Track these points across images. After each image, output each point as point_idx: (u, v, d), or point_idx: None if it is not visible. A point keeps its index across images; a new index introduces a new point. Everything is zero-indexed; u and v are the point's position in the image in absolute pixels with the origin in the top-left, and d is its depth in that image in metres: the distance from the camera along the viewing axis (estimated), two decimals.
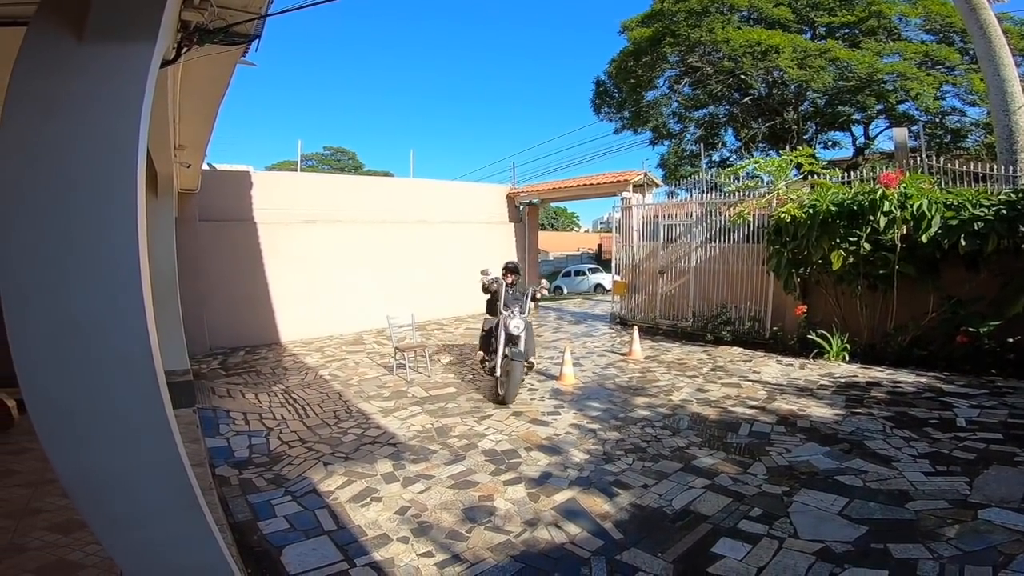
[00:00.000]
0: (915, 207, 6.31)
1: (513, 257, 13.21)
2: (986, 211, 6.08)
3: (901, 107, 16.38)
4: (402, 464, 4.29)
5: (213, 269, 9.02)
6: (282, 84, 74.22)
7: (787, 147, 15.76)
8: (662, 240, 9.49)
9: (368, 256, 10.63)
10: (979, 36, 8.79)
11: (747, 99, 18.64)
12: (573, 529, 3.24)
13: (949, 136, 15.43)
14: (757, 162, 8.96)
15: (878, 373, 6.39)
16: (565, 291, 21.20)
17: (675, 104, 20.38)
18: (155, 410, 1.69)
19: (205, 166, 8.94)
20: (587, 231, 49.76)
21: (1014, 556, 2.73)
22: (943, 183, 7.22)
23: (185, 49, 2.53)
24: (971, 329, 6.07)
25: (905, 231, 6.42)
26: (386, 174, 29.44)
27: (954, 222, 6.17)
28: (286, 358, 8.52)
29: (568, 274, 22.98)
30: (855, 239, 6.69)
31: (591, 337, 9.61)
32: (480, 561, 2.94)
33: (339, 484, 3.95)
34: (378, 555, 3.02)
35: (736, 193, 8.61)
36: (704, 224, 8.87)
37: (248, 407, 5.87)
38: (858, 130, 18.31)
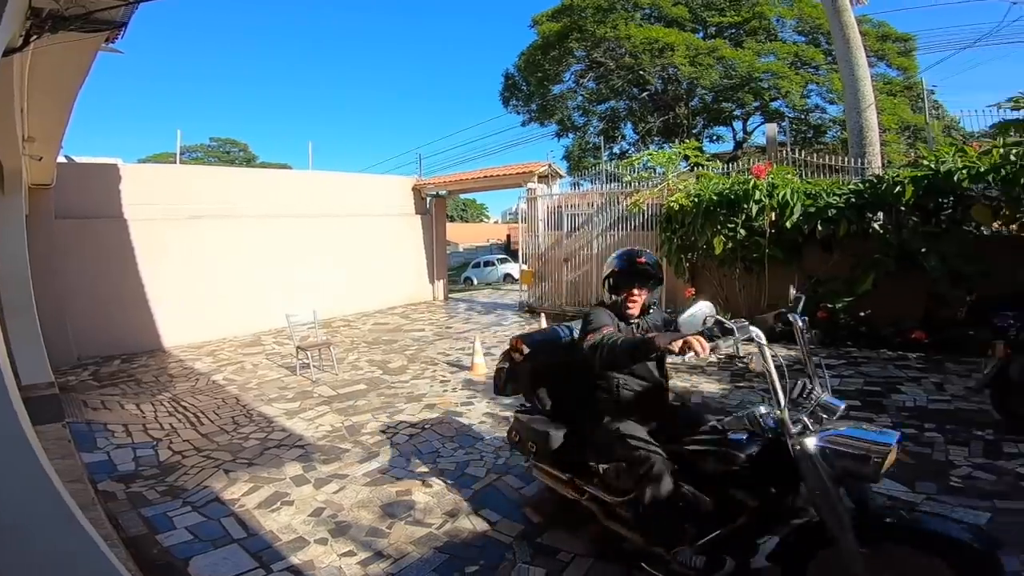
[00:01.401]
0: (780, 196, 7.10)
1: (421, 253, 12.97)
2: (838, 199, 6.99)
3: (774, 104, 18.21)
4: (312, 465, 4.12)
5: (75, 271, 8.02)
6: (159, 74, 66.90)
7: (678, 140, 16.97)
8: (566, 229, 9.87)
9: (266, 253, 9.99)
10: (839, 38, 9.68)
11: (644, 94, 19.78)
12: (494, 516, 3.30)
13: (812, 131, 17.41)
14: (651, 154, 9.57)
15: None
16: (475, 282, 21.33)
17: (580, 98, 21.13)
18: (9, 425, 1.52)
19: (62, 158, 7.90)
20: (496, 222, 50.06)
21: None
22: (804, 174, 8.19)
23: (35, 37, 2.23)
24: (829, 305, 6.97)
25: (773, 218, 7.20)
26: (283, 166, 27.64)
27: (812, 209, 7.03)
28: (172, 364, 7.79)
29: (478, 265, 23.12)
30: (733, 226, 7.41)
31: (501, 326, 9.77)
32: (404, 556, 2.93)
33: (244, 491, 3.73)
34: (296, 559, 2.92)
35: (632, 184, 9.15)
36: (604, 213, 9.35)
37: (129, 418, 5.31)
38: (738, 125, 20.16)
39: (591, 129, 21.29)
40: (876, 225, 6.95)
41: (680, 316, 2.17)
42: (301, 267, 10.36)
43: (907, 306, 6.54)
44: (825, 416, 2.00)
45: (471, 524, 3.24)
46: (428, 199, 13.10)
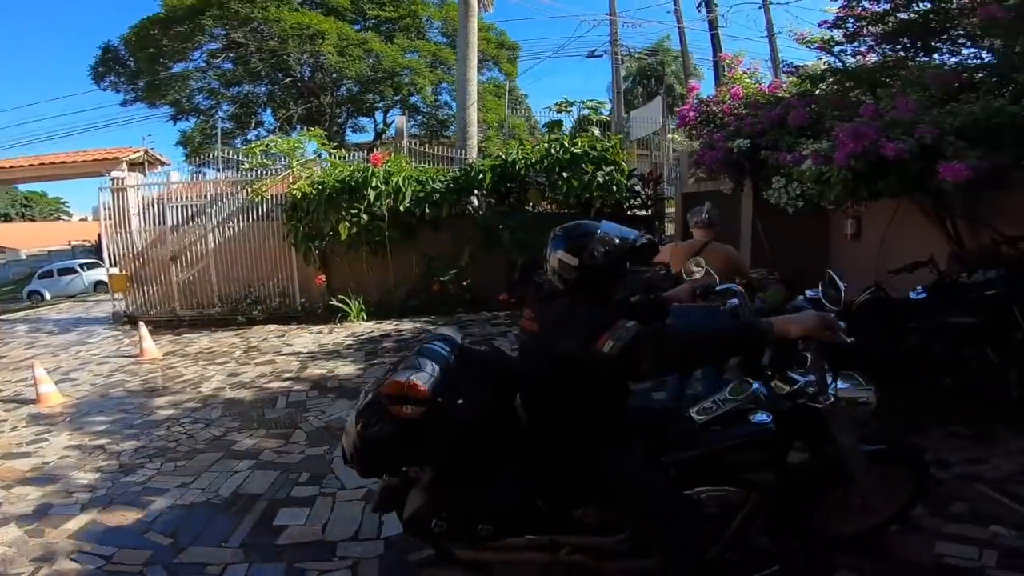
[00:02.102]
0: (395, 183, 7.71)
1: None
2: (441, 185, 8.01)
3: (412, 99, 19.66)
4: None
5: None
6: None
7: (321, 129, 16.69)
8: (172, 223, 8.49)
9: None
10: (462, 39, 10.58)
11: (288, 80, 18.65)
12: (106, 549, 2.73)
13: (440, 125, 19.55)
14: (273, 141, 9.04)
15: (389, 326, 7.63)
16: (47, 296, 16.39)
17: (211, 80, 18.46)
18: None
19: None
20: (86, 219, 38.71)
21: None
22: (432, 163, 9.07)
23: None
24: (440, 279, 8.00)
25: (391, 203, 7.77)
26: None
27: (421, 194, 7.88)
28: None
29: (49, 275, 17.60)
30: (356, 211, 7.69)
31: (87, 345, 7.90)
32: None
33: None
34: None
35: (253, 171, 8.49)
36: (222, 204, 8.41)
37: None
38: (380, 116, 21.13)
39: (220, 113, 19.01)
40: (470, 207, 8.26)
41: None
42: None
43: (496, 273, 8.00)
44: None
45: (78, 564, 2.69)
46: None
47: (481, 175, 8.01)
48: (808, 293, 2.18)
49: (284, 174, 8.28)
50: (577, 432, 1.89)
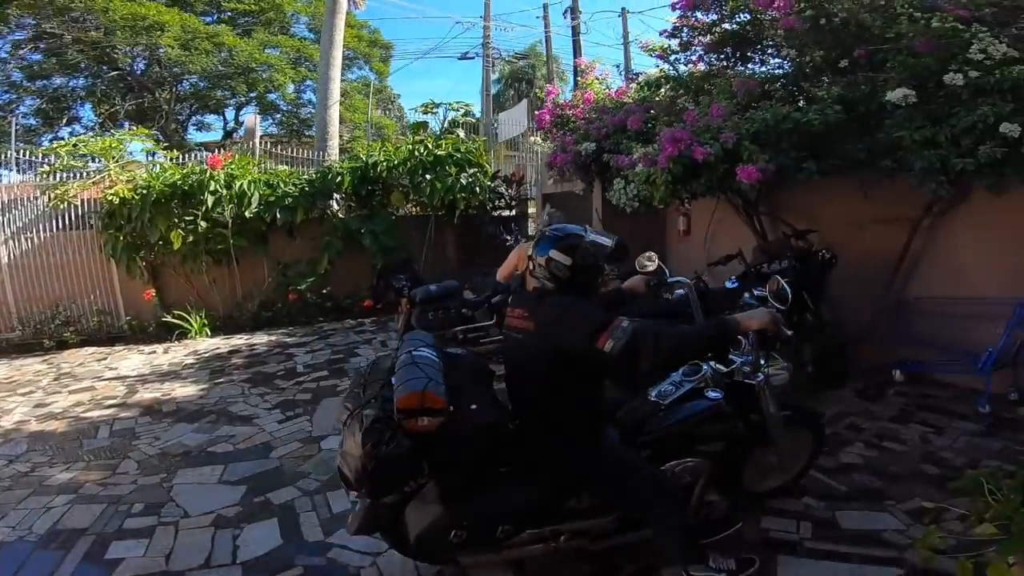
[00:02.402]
0: (239, 186, 7.03)
1: None
2: (294, 188, 7.47)
3: (271, 96, 18.23)
4: None
5: None
6: None
7: (155, 127, 14.85)
8: None
9: None
10: (327, 37, 10.10)
11: (114, 73, 16.32)
12: None
13: (302, 124, 18.38)
14: (83, 140, 7.82)
15: (239, 341, 6.95)
16: None
17: (12, 72, 15.61)
18: None
19: None
20: None
21: None
22: (288, 165, 8.39)
23: None
24: (297, 288, 7.46)
25: (236, 208, 7.08)
26: None
27: (272, 198, 7.28)
28: None
29: None
30: (192, 218, 6.89)
31: None
32: None
33: None
34: None
35: (58, 174, 7.26)
36: (17, 211, 7.08)
37: None
38: (231, 114, 19.34)
39: (21, 108, 16.18)
40: (329, 211, 7.81)
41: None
42: None
43: (359, 278, 7.65)
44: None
45: None
46: None
47: (340, 178, 7.61)
48: (756, 292, 2.55)
49: (98, 177, 7.18)
50: (572, 423, 2.00)
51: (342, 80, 19.43)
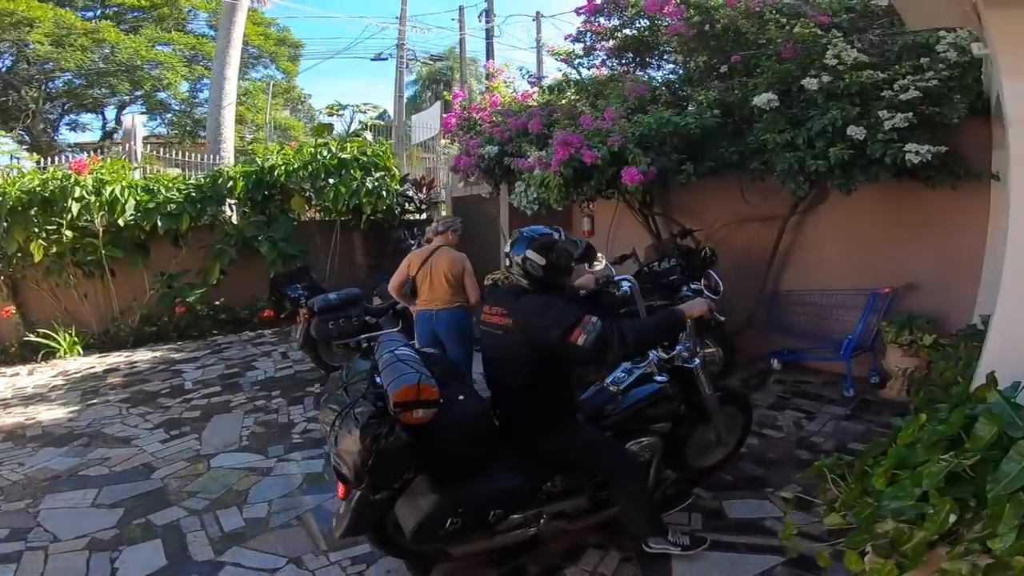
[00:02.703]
0: (110, 192, 6.36)
1: None
2: (178, 194, 6.87)
3: (160, 95, 16.86)
4: None
5: None
6: None
7: (20, 127, 13.31)
8: None
9: None
10: (224, 35, 9.53)
11: None
12: None
13: (196, 125, 17.13)
14: None
15: (117, 358, 6.29)
16: None
17: None
18: None
19: None
20: None
21: (248, 489, 3.17)
22: (187, 170, 7.68)
23: None
24: (186, 299, 6.87)
25: (108, 216, 6.41)
26: None
27: (151, 205, 6.64)
28: None
29: None
30: (55, 227, 6.16)
31: None
32: None
33: None
34: None
35: None
36: None
37: None
38: (112, 113, 17.69)
39: None
40: (221, 218, 7.27)
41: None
42: None
43: (257, 288, 7.17)
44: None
45: None
46: None
47: (231, 182, 7.11)
48: (692, 286, 2.80)
49: None
50: (548, 408, 2.18)
51: (245, 79, 18.55)
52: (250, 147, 10.09)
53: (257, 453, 3.68)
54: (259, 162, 7.33)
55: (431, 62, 22.67)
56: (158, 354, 6.38)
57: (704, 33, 4.60)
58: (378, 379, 2.01)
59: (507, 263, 2.25)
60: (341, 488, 2.07)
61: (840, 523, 1.89)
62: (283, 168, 7.24)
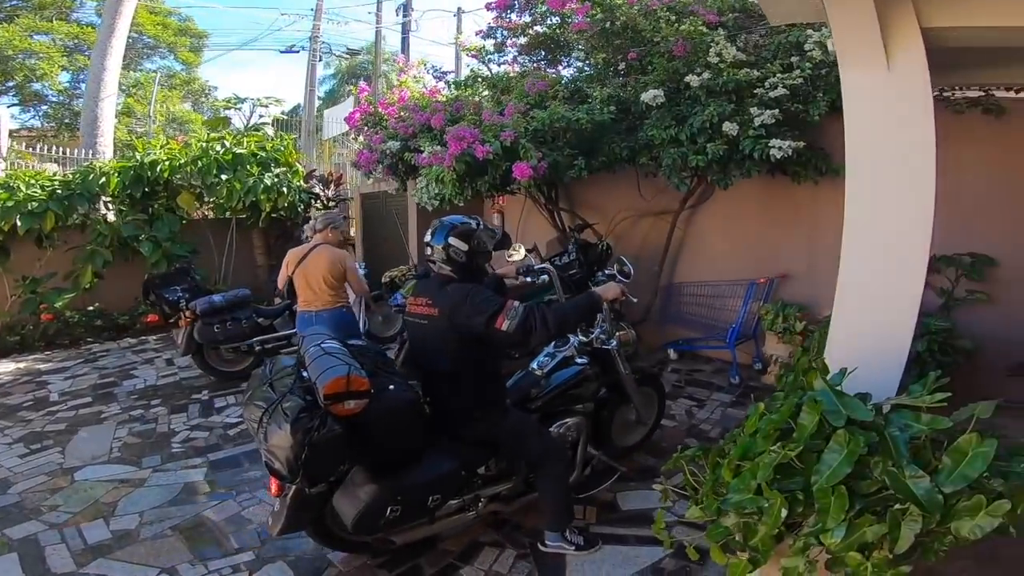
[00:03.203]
0: None
1: None
2: (41, 192, 6.12)
3: (35, 86, 15.26)
4: None
5: None
6: None
7: None
8: None
9: None
10: (107, 24, 8.78)
11: None
12: None
13: (76, 118, 15.59)
14: None
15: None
16: None
17: None
18: None
19: None
20: None
21: (117, 502, 2.97)
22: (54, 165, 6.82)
23: None
24: (54, 305, 6.15)
25: None
26: None
27: (10, 203, 5.88)
28: None
29: None
30: None
31: None
32: None
33: None
34: None
35: None
36: None
37: None
38: None
39: None
40: (94, 217, 6.56)
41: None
42: None
43: (139, 291, 6.51)
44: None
45: None
46: None
47: (104, 178, 6.42)
48: (605, 271, 2.76)
49: None
50: (478, 393, 2.22)
51: (138, 70, 17.17)
52: (137, 141, 9.21)
53: (129, 465, 3.41)
54: (138, 157, 6.68)
55: (349, 56, 21.90)
56: (22, 365, 5.65)
57: (606, 31, 4.65)
58: (305, 374, 1.99)
59: (428, 252, 2.26)
60: (274, 485, 2.05)
61: (700, 516, 1.86)
62: (167, 163, 6.65)
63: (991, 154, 3.38)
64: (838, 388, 1.65)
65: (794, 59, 3.69)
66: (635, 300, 2.79)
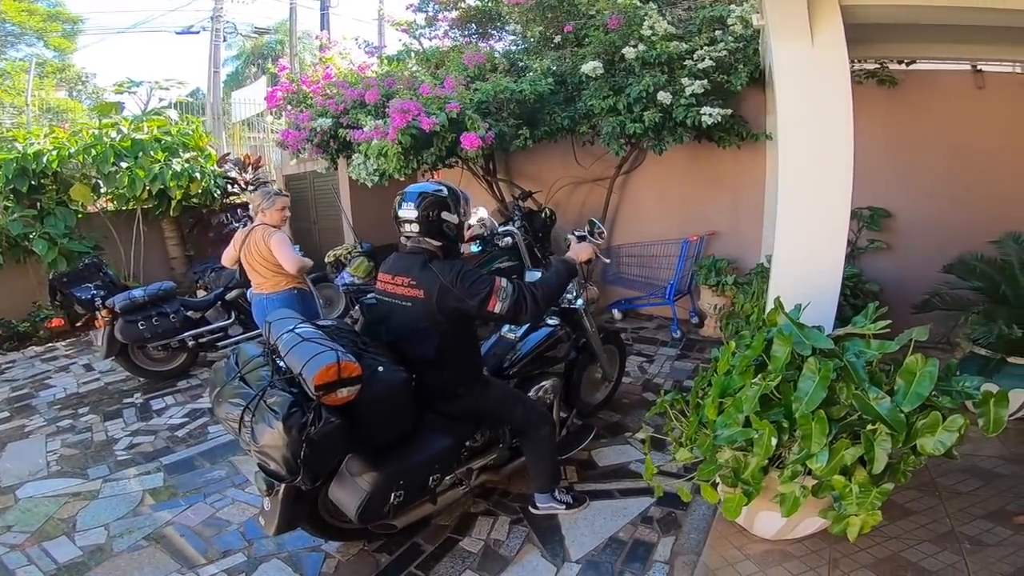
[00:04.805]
0: None
1: None
2: None
3: None
4: None
5: None
6: None
7: None
8: None
9: None
10: None
11: None
12: None
13: None
14: None
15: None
16: None
17: None
18: None
19: None
20: None
21: (75, 516, 2.76)
22: None
23: None
24: None
25: None
26: None
27: None
28: None
29: None
30: None
31: None
32: None
33: None
34: None
35: None
36: None
37: None
38: None
39: None
40: None
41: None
42: None
43: (37, 294, 5.88)
44: None
45: None
46: None
47: None
48: (576, 232, 2.72)
49: None
50: (464, 369, 2.20)
51: (3, 59, 15.02)
52: (9, 132, 8.00)
53: (74, 477, 3.16)
54: (21, 148, 5.92)
55: (257, 35, 20.29)
56: None
57: (542, 4, 4.70)
58: (281, 363, 1.84)
59: (402, 228, 2.09)
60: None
61: (689, 457, 1.99)
62: (55, 154, 5.95)
63: (884, 120, 3.85)
64: (799, 322, 1.80)
65: (717, 32, 3.95)
66: (607, 260, 2.97)
